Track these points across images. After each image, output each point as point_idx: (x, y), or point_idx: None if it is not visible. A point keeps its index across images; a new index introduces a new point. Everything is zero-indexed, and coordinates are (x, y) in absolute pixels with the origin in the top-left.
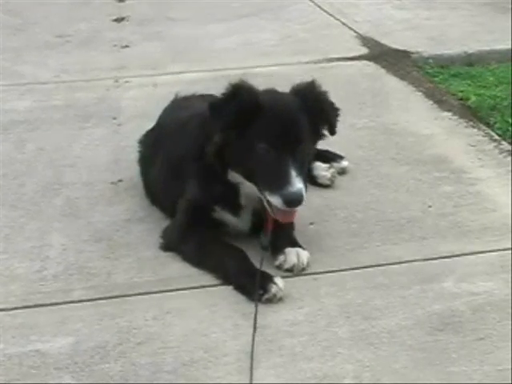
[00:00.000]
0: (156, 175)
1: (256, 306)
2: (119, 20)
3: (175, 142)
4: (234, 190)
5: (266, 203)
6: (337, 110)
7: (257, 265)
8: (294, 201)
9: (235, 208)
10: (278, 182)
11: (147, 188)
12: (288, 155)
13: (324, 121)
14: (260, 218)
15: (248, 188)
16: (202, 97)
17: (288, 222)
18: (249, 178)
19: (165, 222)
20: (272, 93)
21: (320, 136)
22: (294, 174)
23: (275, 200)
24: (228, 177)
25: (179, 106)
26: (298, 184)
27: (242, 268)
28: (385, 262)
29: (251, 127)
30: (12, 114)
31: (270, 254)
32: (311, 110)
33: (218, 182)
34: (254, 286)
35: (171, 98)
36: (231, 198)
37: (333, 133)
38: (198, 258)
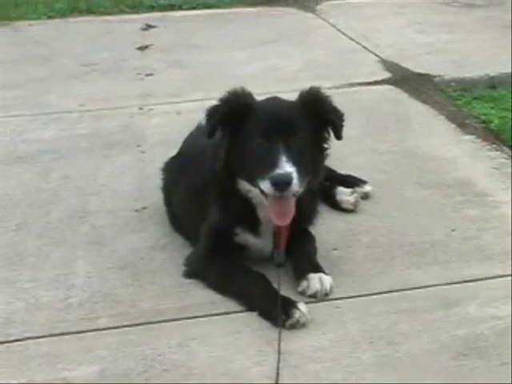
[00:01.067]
0: (179, 202)
1: (280, 332)
2: (143, 48)
3: (196, 169)
4: (249, 205)
5: (261, 195)
6: (340, 113)
7: (277, 287)
8: (282, 182)
9: (254, 225)
10: (267, 168)
11: (171, 215)
12: (280, 144)
13: (326, 123)
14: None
15: (260, 197)
16: None
17: (283, 224)
18: (249, 176)
19: (188, 250)
20: (270, 98)
21: (324, 139)
22: (283, 158)
23: (265, 186)
24: (238, 186)
25: (201, 134)
26: (287, 167)
27: (264, 294)
28: (408, 287)
29: (245, 127)
30: (38, 144)
31: (293, 277)
32: (311, 111)
33: (235, 200)
34: (277, 311)
35: (194, 124)
36: (249, 215)
37: (338, 137)
38: (221, 285)
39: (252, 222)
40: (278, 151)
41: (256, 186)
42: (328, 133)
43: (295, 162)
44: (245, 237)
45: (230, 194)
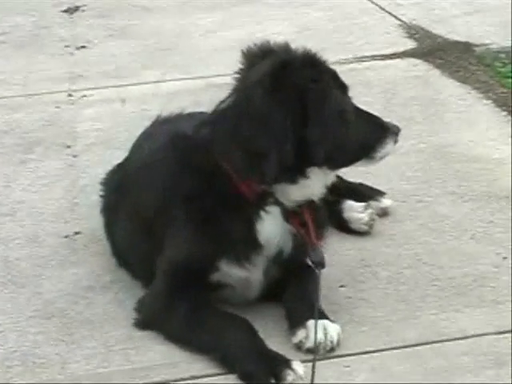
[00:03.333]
0: (126, 228)
1: None
2: (72, 10)
3: (151, 182)
4: (249, 223)
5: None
6: None
7: (269, 342)
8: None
9: (248, 251)
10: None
11: (114, 245)
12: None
13: None
14: (279, 271)
15: (275, 213)
16: (193, 116)
17: None
18: (342, 153)
19: (139, 290)
20: None
21: None
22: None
23: (388, 146)
24: (307, 174)
25: (159, 133)
26: None
27: (248, 349)
28: (443, 338)
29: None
30: None
31: (285, 324)
32: None
33: (229, 218)
34: (264, 374)
35: (146, 117)
36: (245, 237)
37: None
38: (187, 337)
39: (243, 249)
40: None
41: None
42: None
43: None
44: (229, 271)
45: (220, 213)
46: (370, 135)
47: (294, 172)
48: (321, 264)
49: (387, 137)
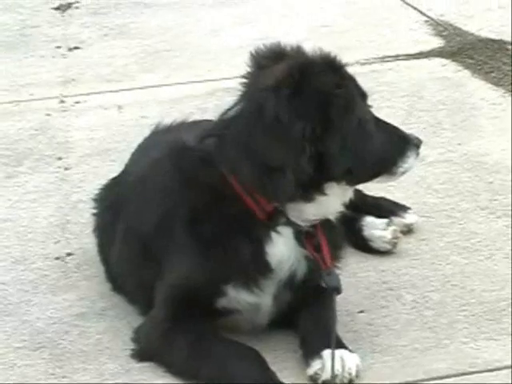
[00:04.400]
0: (121, 250)
1: None
2: (64, 8)
3: (149, 199)
4: (258, 244)
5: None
6: None
7: (281, 374)
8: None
9: (257, 275)
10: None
11: (108, 268)
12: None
13: None
14: (291, 296)
15: (287, 232)
16: (197, 124)
17: None
18: (362, 167)
19: (138, 316)
20: None
21: None
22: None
23: (410, 160)
24: (324, 191)
25: (158, 143)
26: None
27: (259, 381)
28: (474, 369)
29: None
30: None
31: (298, 353)
32: None
33: (240, 240)
34: None
35: (143, 125)
36: (254, 260)
37: None
38: (191, 371)
39: (251, 272)
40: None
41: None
42: None
43: None
44: (237, 297)
45: (234, 227)
46: (392, 148)
47: (310, 188)
48: (336, 289)
49: (409, 150)
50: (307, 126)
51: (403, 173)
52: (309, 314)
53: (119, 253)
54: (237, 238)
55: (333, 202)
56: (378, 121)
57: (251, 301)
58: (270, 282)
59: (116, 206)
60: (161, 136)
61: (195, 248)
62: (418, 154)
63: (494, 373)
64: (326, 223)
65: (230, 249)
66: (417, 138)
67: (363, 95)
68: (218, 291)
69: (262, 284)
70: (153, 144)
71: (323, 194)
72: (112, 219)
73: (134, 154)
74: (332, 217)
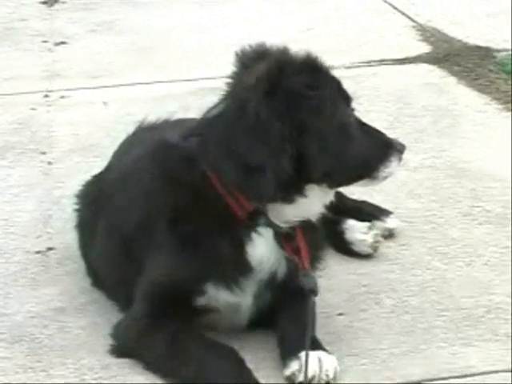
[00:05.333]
0: (102, 246)
1: None
2: (51, 2)
3: (132, 196)
4: (239, 244)
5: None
6: None
7: (258, 374)
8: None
9: (237, 274)
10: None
11: (89, 264)
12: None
13: None
14: (271, 296)
15: (266, 232)
16: (181, 123)
17: None
18: (342, 170)
19: (118, 312)
20: None
21: None
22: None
23: (392, 165)
24: (305, 192)
25: (142, 141)
26: None
27: (234, 382)
28: (450, 375)
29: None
30: None
31: (276, 354)
32: None
33: (218, 237)
34: None
35: (128, 122)
36: (234, 259)
37: None
38: (168, 368)
39: (230, 271)
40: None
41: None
42: None
43: None
44: (216, 295)
45: (210, 226)
46: (374, 152)
47: (291, 189)
48: (313, 291)
49: (392, 155)
50: (284, 127)
51: (385, 178)
52: (288, 315)
53: (100, 249)
54: (217, 238)
55: (313, 203)
56: (361, 125)
57: (231, 300)
58: (251, 281)
59: (98, 202)
60: (144, 134)
61: (175, 246)
62: (400, 160)
63: (470, 378)
64: (307, 225)
65: (211, 248)
66: (400, 144)
67: (347, 98)
68: (198, 290)
69: (242, 283)
70: (136, 141)
71: (303, 195)
72: (94, 216)
73: (117, 151)
74: (313, 218)
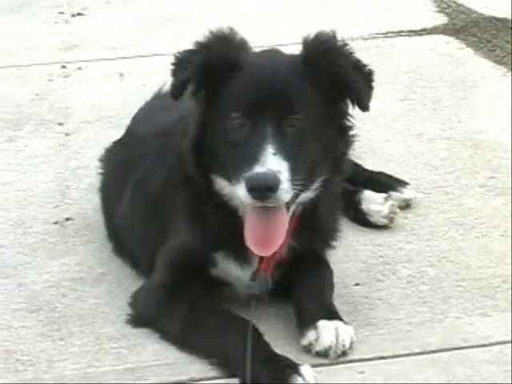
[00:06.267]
0: (125, 210)
1: None
2: None
3: (154, 161)
4: (233, 217)
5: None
6: (365, 70)
7: (275, 344)
8: (260, 186)
9: (241, 250)
10: (245, 163)
11: (111, 229)
12: (268, 128)
13: (343, 87)
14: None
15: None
16: None
17: (265, 253)
18: (226, 172)
19: (136, 282)
20: (265, 51)
21: (343, 114)
22: (269, 149)
23: (240, 190)
24: (214, 187)
25: (159, 107)
26: (270, 163)
27: (252, 352)
28: (467, 344)
29: (223, 95)
30: None
31: (293, 323)
32: (320, 70)
33: (211, 209)
34: (270, 379)
35: (144, 92)
36: (233, 233)
37: (364, 106)
38: (186, 337)
39: (238, 245)
40: (263, 138)
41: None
42: (347, 103)
43: (289, 155)
44: (227, 267)
45: (204, 199)
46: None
47: None
48: (255, 296)
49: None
50: None
51: None
52: (305, 285)
53: (125, 213)
54: (223, 216)
55: None
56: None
57: (240, 274)
58: (256, 257)
59: (125, 165)
60: (162, 101)
61: (190, 221)
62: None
63: (487, 348)
64: (322, 199)
65: (219, 224)
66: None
67: None
68: (210, 260)
69: (248, 258)
70: (155, 108)
71: None
72: (120, 178)
73: (136, 117)
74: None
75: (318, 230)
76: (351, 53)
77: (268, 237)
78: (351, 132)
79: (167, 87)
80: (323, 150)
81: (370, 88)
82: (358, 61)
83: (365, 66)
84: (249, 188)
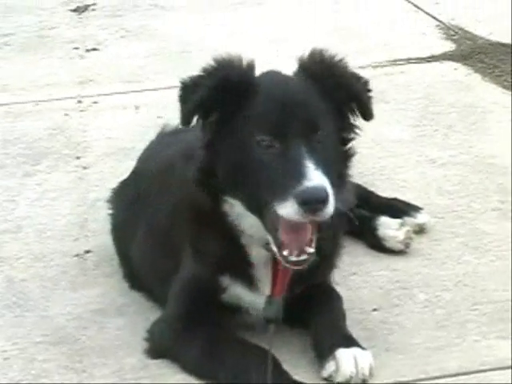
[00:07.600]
0: (138, 249)
1: None
2: (81, 9)
3: (160, 195)
4: (237, 241)
5: (271, 238)
6: (362, 79)
7: (295, 373)
8: (315, 199)
9: (247, 272)
10: (291, 181)
11: (125, 266)
12: (302, 146)
13: (349, 99)
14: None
15: (255, 228)
16: None
17: (298, 267)
18: (248, 195)
19: (157, 313)
20: (270, 71)
21: (347, 126)
22: (311, 166)
23: (286, 208)
24: (222, 209)
25: (163, 145)
26: (318, 179)
27: (272, 380)
28: (485, 367)
29: (241, 117)
30: None
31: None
32: (323, 84)
33: (217, 233)
34: None
35: (160, 125)
36: (238, 256)
37: (368, 115)
38: (204, 368)
39: (243, 268)
40: (300, 154)
41: (264, 209)
42: (350, 115)
43: (325, 171)
44: (236, 292)
45: (209, 223)
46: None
47: None
48: (271, 320)
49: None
50: None
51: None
52: (318, 314)
53: (141, 249)
54: (226, 243)
55: None
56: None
57: (250, 297)
58: (262, 277)
59: (135, 205)
60: (167, 138)
61: (199, 240)
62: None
63: (505, 371)
64: (325, 232)
65: (223, 251)
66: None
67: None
68: (219, 286)
69: (253, 280)
70: (160, 147)
71: None
72: (132, 218)
73: (141, 157)
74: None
75: (324, 252)
76: (348, 65)
77: (303, 248)
78: (351, 145)
79: (170, 125)
80: (336, 165)
81: (370, 96)
82: (355, 72)
83: (361, 76)
84: (301, 202)
